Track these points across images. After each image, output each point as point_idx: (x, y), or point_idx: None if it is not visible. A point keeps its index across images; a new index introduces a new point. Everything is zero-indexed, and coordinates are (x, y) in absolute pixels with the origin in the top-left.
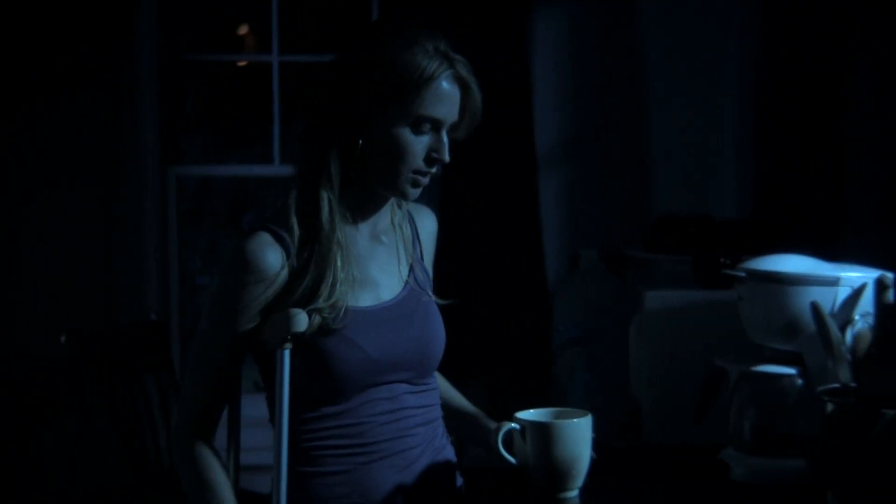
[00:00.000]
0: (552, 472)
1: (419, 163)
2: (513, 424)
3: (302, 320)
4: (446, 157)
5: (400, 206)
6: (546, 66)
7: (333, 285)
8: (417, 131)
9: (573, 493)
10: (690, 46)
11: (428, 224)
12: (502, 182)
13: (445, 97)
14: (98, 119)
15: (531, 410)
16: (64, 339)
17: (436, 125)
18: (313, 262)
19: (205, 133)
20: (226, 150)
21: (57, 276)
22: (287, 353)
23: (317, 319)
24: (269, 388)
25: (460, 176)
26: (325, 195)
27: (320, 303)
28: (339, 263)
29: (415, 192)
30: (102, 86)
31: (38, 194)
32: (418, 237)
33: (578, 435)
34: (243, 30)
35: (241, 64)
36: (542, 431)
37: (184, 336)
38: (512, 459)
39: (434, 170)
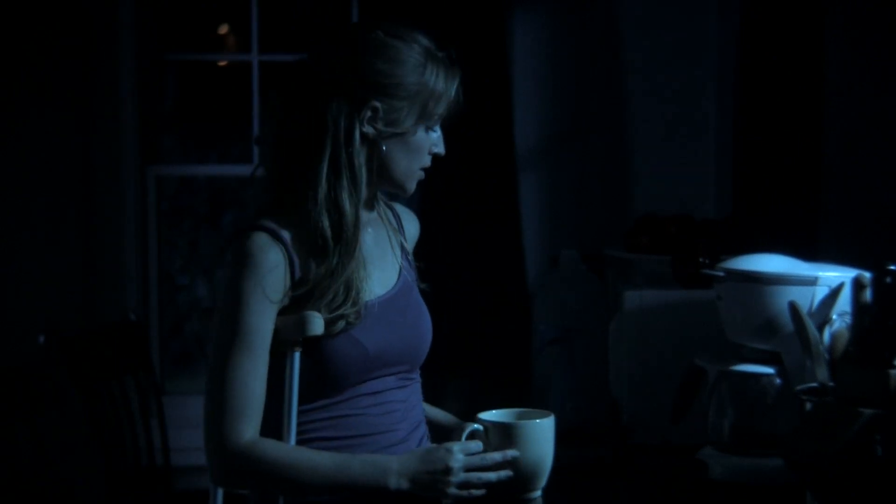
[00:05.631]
0: (516, 472)
1: (428, 159)
2: (475, 425)
3: (318, 324)
4: (443, 150)
5: (387, 204)
6: (526, 67)
7: (360, 290)
8: (429, 129)
9: (537, 494)
10: (670, 47)
11: (412, 228)
12: (482, 182)
13: (450, 98)
14: (78, 118)
15: (494, 411)
16: (42, 339)
17: (437, 119)
18: (340, 266)
19: (184, 132)
20: (205, 150)
21: (36, 275)
22: (297, 356)
23: (341, 324)
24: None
25: (440, 176)
26: (348, 199)
27: (348, 307)
28: (360, 265)
29: (414, 186)
30: (82, 85)
31: (16, 193)
32: (402, 230)
33: (541, 435)
34: (223, 29)
35: (222, 63)
36: (505, 432)
37: (163, 337)
38: None
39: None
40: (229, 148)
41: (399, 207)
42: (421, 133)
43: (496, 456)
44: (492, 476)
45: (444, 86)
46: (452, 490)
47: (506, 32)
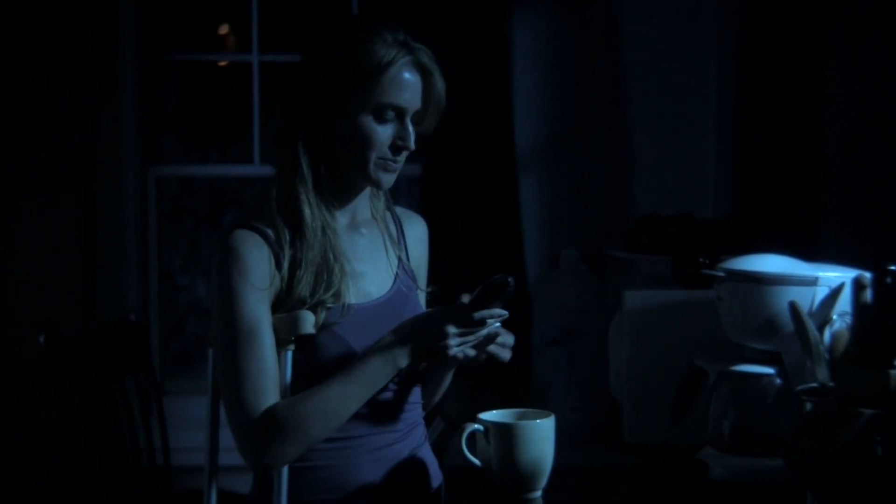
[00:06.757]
0: (515, 472)
1: (385, 150)
2: (476, 426)
3: (310, 321)
4: (411, 145)
5: (389, 209)
6: (525, 67)
7: (331, 273)
8: (380, 119)
9: (537, 494)
10: (670, 47)
11: (417, 229)
12: (482, 182)
13: (405, 84)
14: (78, 119)
15: (494, 411)
16: (42, 339)
17: (399, 113)
18: (307, 256)
19: (184, 132)
20: (205, 150)
21: (36, 276)
22: (290, 355)
23: (322, 315)
24: None
25: (440, 176)
26: (301, 190)
27: (322, 293)
28: (332, 253)
29: (387, 179)
30: (82, 85)
31: (17, 194)
32: (403, 237)
33: (541, 436)
34: (223, 29)
35: (222, 64)
36: (506, 432)
37: (163, 337)
38: (475, 460)
39: (401, 157)
40: (229, 148)
41: (401, 210)
42: (364, 122)
43: (483, 312)
44: (482, 332)
45: (372, 76)
46: (453, 351)
47: (506, 32)
